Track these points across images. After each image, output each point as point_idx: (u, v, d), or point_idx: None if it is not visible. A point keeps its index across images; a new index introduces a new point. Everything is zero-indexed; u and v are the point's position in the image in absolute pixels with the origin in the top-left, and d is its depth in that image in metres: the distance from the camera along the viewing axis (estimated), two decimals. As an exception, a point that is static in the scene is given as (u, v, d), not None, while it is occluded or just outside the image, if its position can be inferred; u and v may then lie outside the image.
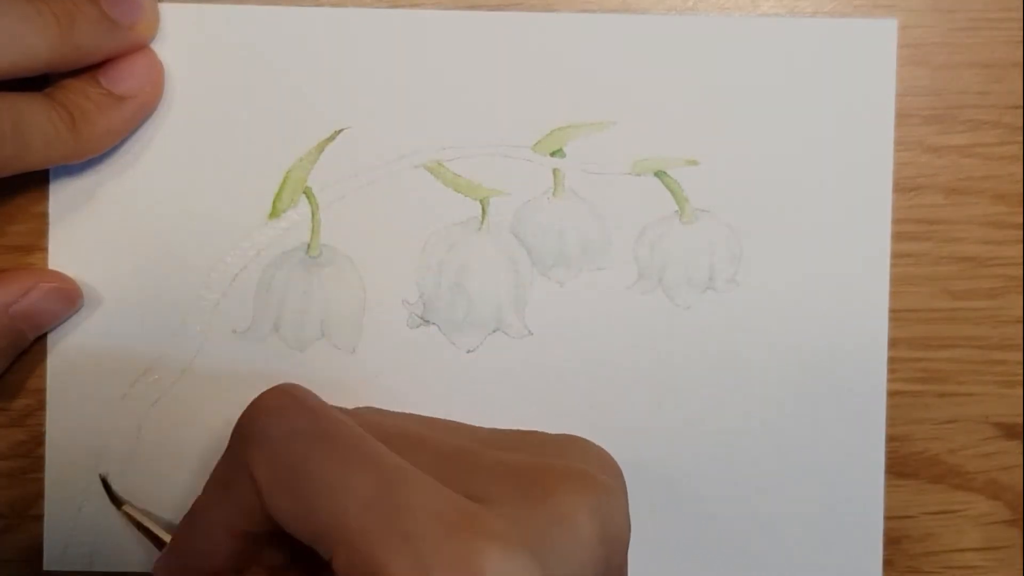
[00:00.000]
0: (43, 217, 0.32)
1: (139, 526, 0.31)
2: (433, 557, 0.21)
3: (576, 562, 0.23)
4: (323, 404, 0.25)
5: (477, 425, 0.29)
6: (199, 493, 0.26)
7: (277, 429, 0.24)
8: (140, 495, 0.32)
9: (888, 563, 0.33)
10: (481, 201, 0.33)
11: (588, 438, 0.32)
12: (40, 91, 0.30)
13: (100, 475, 0.32)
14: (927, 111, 0.33)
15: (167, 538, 0.30)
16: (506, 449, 0.26)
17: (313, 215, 0.32)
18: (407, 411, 0.30)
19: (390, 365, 0.32)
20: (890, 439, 0.33)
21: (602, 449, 0.27)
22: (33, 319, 0.31)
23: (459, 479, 0.24)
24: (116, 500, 0.32)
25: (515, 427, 0.30)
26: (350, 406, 0.31)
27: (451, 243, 0.33)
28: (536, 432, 0.28)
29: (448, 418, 0.30)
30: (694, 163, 0.33)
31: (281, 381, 0.25)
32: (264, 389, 0.25)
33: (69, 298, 0.32)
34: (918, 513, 0.33)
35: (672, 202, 0.33)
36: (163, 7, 0.32)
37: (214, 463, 0.26)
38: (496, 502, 0.23)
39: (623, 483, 0.26)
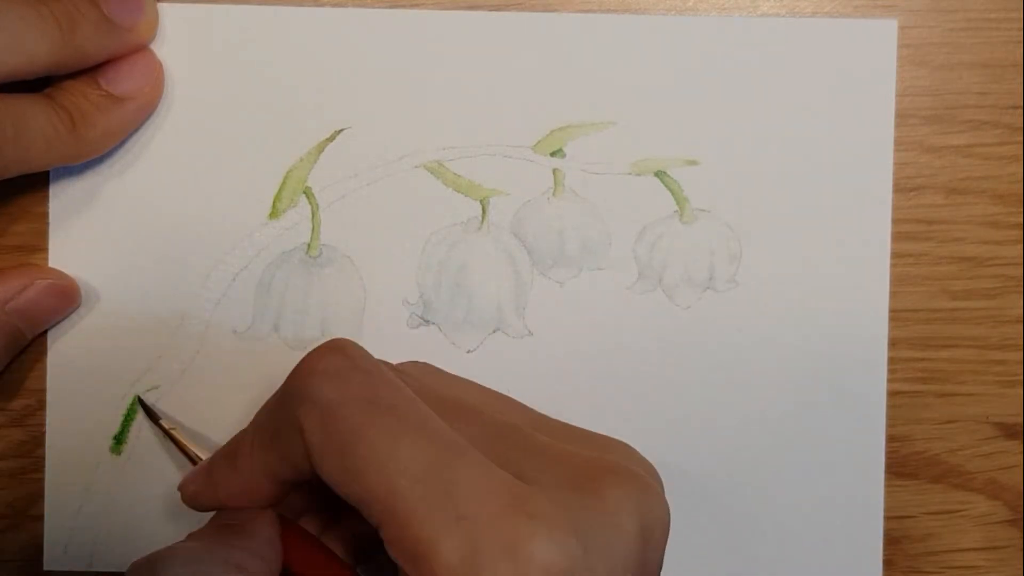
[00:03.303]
0: (43, 217, 0.32)
1: (175, 441, 0.31)
2: (483, 538, 0.21)
3: (617, 555, 0.23)
4: (379, 367, 0.25)
5: (531, 408, 0.29)
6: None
7: (332, 393, 0.24)
8: (139, 496, 0.32)
9: (888, 563, 0.33)
10: (481, 201, 0.33)
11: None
12: (40, 92, 0.30)
13: (137, 396, 0.32)
14: (927, 111, 0.33)
15: (203, 456, 0.30)
16: (555, 437, 0.26)
17: (313, 215, 0.32)
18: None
19: (390, 365, 0.32)
20: (890, 439, 0.33)
21: (643, 456, 0.27)
22: (30, 316, 0.31)
23: (510, 458, 0.24)
24: (153, 416, 0.32)
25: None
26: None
27: (451, 243, 0.33)
28: (583, 428, 0.28)
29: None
30: (694, 163, 0.33)
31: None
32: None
33: (66, 295, 0.32)
34: (918, 513, 0.33)
35: (672, 202, 0.33)
36: (163, 7, 0.32)
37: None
38: (546, 486, 0.23)
39: (662, 486, 0.27)
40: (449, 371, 0.30)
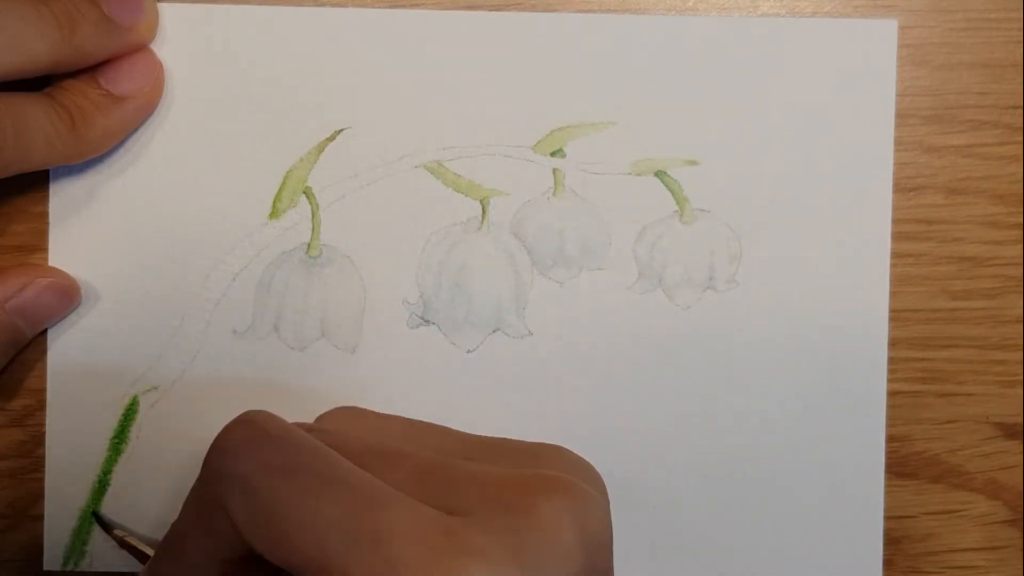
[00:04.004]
0: (43, 217, 0.32)
1: (132, 549, 0.31)
2: None
3: (560, 571, 0.23)
4: (291, 431, 0.25)
5: (457, 430, 0.29)
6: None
7: (246, 466, 0.23)
8: (140, 496, 0.32)
9: (888, 563, 0.33)
10: (481, 201, 0.33)
11: (587, 438, 0.32)
12: (40, 92, 0.30)
13: (92, 512, 0.32)
14: (927, 111, 0.33)
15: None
16: (484, 458, 0.26)
17: (313, 215, 0.32)
18: (406, 412, 0.30)
19: (390, 365, 0.32)
20: (890, 439, 0.33)
21: (580, 456, 0.27)
22: (30, 315, 0.31)
23: (439, 495, 0.24)
24: (107, 527, 0.32)
25: (514, 428, 0.30)
26: (350, 405, 0.31)
27: (451, 243, 0.33)
28: (514, 440, 0.28)
29: (449, 417, 0.30)
30: (694, 163, 0.33)
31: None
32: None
33: (67, 294, 0.32)
34: (918, 513, 0.33)
35: (672, 202, 0.33)
36: (163, 7, 0.32)
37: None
38: (476, 515, 0.23)
39: (603, 487, 0.26)
40: (449, 371, 0.30)
